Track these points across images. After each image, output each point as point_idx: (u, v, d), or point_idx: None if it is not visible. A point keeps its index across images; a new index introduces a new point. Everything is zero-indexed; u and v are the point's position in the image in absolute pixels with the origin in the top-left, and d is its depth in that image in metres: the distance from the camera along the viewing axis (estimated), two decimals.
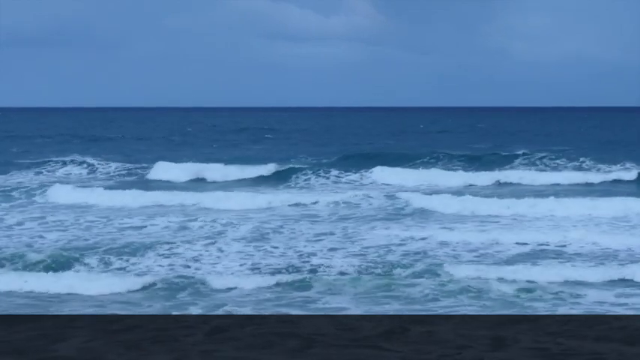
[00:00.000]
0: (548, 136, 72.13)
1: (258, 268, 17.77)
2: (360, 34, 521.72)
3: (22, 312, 14.13)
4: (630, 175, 36.05)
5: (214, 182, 35.65)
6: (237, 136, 73.63)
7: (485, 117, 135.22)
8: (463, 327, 12.64)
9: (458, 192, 30.36)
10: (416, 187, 32.43)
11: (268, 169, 37.11)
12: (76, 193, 30.13)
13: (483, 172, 36.69)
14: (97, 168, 40.68)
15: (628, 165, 39.12)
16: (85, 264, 17.98)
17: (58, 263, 17.84)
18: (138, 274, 17.07)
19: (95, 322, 13.15)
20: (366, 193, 29.14)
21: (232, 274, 17.17)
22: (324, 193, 30.33)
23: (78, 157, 43.22)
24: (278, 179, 35.91)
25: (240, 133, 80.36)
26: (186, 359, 10.97)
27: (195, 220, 24.12)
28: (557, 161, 41.53)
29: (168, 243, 20.22)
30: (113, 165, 40.96)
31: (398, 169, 36.84)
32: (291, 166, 37.81)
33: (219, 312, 14.01)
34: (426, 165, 40.53)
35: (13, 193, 30.74)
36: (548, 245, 20.04)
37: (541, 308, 14.24)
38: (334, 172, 36.87)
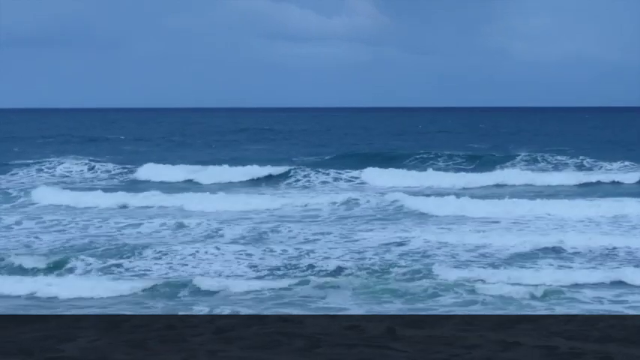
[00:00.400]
0: (548, 136, 72.04)
1: (251, 270, 17.79)
2: (361, 34, 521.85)
3: (28, 312, 14.17)
4: (631, 175, 36.00)
5: (200, 184, 35.35)
6: (234, 137, 73.62)
7: (485, 117, 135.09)
8: (466, 327, 12.67)
9: (451, 193, 30.29)
10: (407, 188, 32.32)
11: (261, 170, 36.90)
12: (61, 195, 29.95)
13: (479, 173, 36.55)
14: (87, 169, 40.61)
15: (629, 165, 39.18)
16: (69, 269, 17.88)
17: (41, 268, 17.79)
18: (128, 278, 16.99)
19: (101, 321, 13.17)
20: (355, 195, 28.90)
21: (222, 276, 17.14)
22: (314, 195, 30.16)
23: (68, 159, 43.09)
24: (270, 180, 35.83)
25: (239, 133, 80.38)
26: (194, 359, 10.99)
27: (177, 222, 23.84)
28: (558, 160, 41.52)
29: (151, 246, 19.98)
30: (105, 166, 40.86)
31: (389, 170, 36.73)
32: (286, 167, 37.55)
33: (224, 312, 14.04)
34: (422, 165, 40.46)
35: None
36: (545, 246, 19.89)
37: (539, 307, 14.29)
38: (328, 173, 36.72)
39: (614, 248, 19.54)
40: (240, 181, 35.66)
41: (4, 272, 17.23)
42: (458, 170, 38.45)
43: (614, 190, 31.87)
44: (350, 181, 35.69)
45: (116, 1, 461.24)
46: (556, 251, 19.43)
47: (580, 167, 39.80)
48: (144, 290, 15.60)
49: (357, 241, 21.00)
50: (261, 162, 39.21)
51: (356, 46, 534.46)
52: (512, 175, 36.34)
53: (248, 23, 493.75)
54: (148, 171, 38.33)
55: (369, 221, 24.33)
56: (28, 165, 41.57)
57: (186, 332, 12.34)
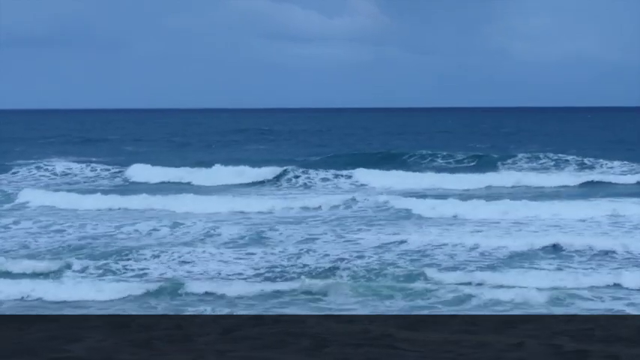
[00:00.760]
0: (548, 136, 71.97)
1: (248, 271, 17.73)
2: (363, 34, 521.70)
3: (35, 312, 14.19)
4: (631, 176, 35.90)
5: (193, 185, 35.14)
6: (233, 138, 73.59)
7: (486, 117, 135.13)
8: (470, 327, 12.74)
9: (450, 194, 30.27)
10: (406, 190, 32.23)
11: (254, 171, 36.75)
12: (45, 198, 29.68)
13: (478, 174, 36.37)
14: (78, 170, 40.37)
15: (629, 165, 39.10)
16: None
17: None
18: (126, 281, 16.86)
19: (106, 322, 13.21)
20: (350, 196, 28.67)
21: (220, 277, 17.14)
22: (308, 196, 29.98)
23: (56, 160, 43.03)
24: (265, 182, 35.67)
25: (238, 134, 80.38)
26: (202, 359, 11.01)
27: (173, 223, 23.66)
28: (558, 160, 41.39)
29: (144, 248, 19.89)
30: (95, 167, 40.63)
31: (386, 172, 36.58)
32: (281, 168, 37.26)
33: (229, 312, 14.08)
34: (420, 166, 40.41)
35: None
36: (542, 247, 19.79)
37: (538, 307, 14.32)
38: (324, 174, 36.55)
39: (613, 250, 19.42)
40: (234, 183, 35.44)
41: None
42: (457, 171, 38.22)
43: (615, 190, 31.75)
44: (346, 182, 35.53)
45: (116, 1, 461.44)
46: (553, 252, 19.36)
47: (580, 168, 39.68)
48: (146, 292, 15.52)
49: (352, 242, 20.84)
50: (257, 163, 39.07)
51: (357, 46, 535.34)
52: (512, 176, 36.21)
53: (249, 23, 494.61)
54: (138, 172, 38.14)
55: (363, 223, 24.10)
56: (19, 166, 41.41)
57: (192, 332, 12.40)
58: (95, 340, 11.93)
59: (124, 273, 17.52)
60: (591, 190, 31.94)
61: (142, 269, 17.83)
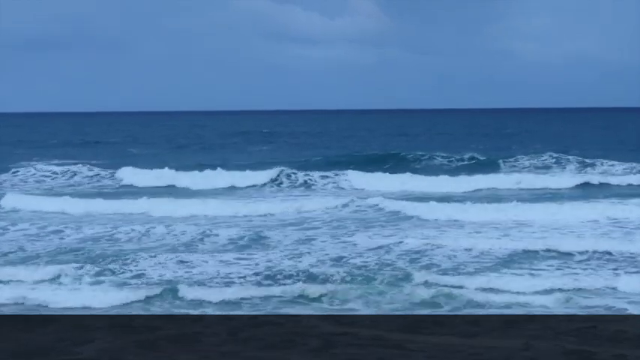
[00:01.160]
0: (551, 137, 71.80)
1: (244, 273, 17.54)
2: (365, 35, 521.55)
3: (43, 312, 14.20)
4: (634, 175, 35.76)
5: (184, 188, 34.96)
6: (231, 140, 73.45)
7: (488, 118, 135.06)
8: (475, 326, 12.74)
9: (449, 196, 30.10)
10: (398, 191, 32.04)
11: (249, 175, 36.45)
12: (29, 202, 29.36)
13: (480, 175, 36.10)
14: (70, 173, 40.10)
15: (631, 166, 38.86)
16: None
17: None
18: (125, 285, 16.65)
19: (115, 323, 13.22)
20: (345, 199, 28.51)
21: (215, 280, 16.93)
22: (297, 200, 29.67)
23: (45, 163, 42.84)
24: (261, 185, 35.38)
25: (237, 136, 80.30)
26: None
27: (165, 226, 23.44)
28: (560, 162, 41.19)
29: (137, 252, 19.70)
30: (85, 170, 40.38)
31: (379, 174, 36.37)
32: (277, 170, 36.91)
33: (235, 312, 14.13)
34: (421, 168, 40.18)
35: None
36: (539, 251, 19.52)
37: (536, 308, 14.36)
38: (318, 176, 36.34)
39: (614, 252, 19.26)
40: (227, 186, 35.13)
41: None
42: (457, 172, 37.90)
43: (617, 191, 31.53)
44: (343, 184, 35.33)
45: (118, 3, 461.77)
46: (553, 254, 19.17)
47: (582, 169, 39.52)
48: (149, 296, 15.37)
49: (346, 245, 20.67)
50: (254, 166, 38.86)
51: (359, 47, 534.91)
52: (513, 177, 36.01)
53: (251, 25, 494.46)
54: (128, 175, 37.89)
55: (356, 225, 23.88)
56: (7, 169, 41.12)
57: (198, 333, 12.45)
58: (104, 342, 11.99)
59: (122, 274, 17.40)
60: (593, 191, 31.80)
61: (141, 272, 17.61)
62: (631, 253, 19.02)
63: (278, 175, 36.38)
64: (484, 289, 15.62)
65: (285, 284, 16.17)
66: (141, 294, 15.38)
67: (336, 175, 36.51)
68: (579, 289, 15.57)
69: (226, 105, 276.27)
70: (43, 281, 16.75)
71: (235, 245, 20.69)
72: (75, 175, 39.81)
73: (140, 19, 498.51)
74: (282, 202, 28.77)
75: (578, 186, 33.52)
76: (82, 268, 17.62)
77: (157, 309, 14.55)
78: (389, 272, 17.06)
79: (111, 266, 17.94)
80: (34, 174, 40.20)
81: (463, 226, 23.64)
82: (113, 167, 40.35)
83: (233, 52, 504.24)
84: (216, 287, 16.00)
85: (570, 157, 42.19)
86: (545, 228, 22.96)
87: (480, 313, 13.86)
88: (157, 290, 15.62)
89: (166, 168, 38.42)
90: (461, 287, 15.72)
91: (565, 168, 40.17)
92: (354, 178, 35.80)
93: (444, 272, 17.24)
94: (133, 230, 22.87)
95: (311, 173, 36.92)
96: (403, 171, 37.56)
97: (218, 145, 66.93)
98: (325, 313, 14.06)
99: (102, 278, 16.96)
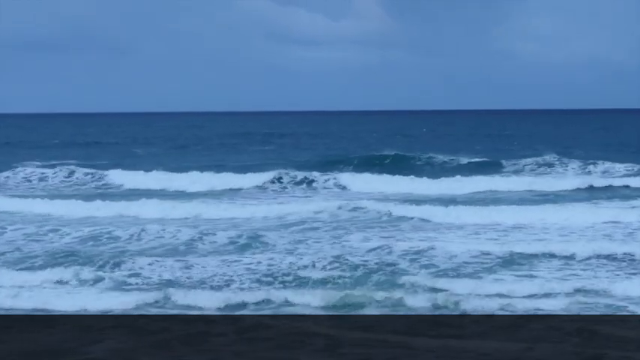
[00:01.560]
0: (555, 138, 71.54)
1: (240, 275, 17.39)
2: (369, 37, 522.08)
3: (52, 312, 14.25)
4: (637, 179, 35.24)
5: (175, 190, 34.51)
6: (230, 141, 73.43)
7: (493, 119, 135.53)
8: (480, 326, 12.84)
9: (448, 198, 29.96)
10: (397, 193, 31.81)
11: (243, 177, 36.18)
12: (16, 204, 29.09)
13: (477, 177, 35.78)
14: (62, 175, 39.55)
15: (635, 167, 38.60)
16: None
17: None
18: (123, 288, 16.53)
19: (125, 323, 13.28)
20: (340, 202, 27.97)
21: (211, 282, 16.82)
22: (290, 202, 29.42)
23: (32, 165, 42.38)
24: (255, 187, 34.95)
25: (237, 138, 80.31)
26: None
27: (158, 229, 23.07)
28: (565, 163, 40.87)
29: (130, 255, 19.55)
30: (75, 171, 39.88)
31: (366, 175, 36.21)
32: (272, 173, 36.59)
33: (242, 312, 14.21)
34: (422, 170, 39.57)
35: None
36: (539, 254, 19.22)
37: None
38: (317, 177, 35.98)
39: (615, 254, 19.01)
40: (223, 189, 34.69)
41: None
42: (458, 174, 37.22)
43: (620, 193, 31.29)
44: (338, 187, 34.98)
45: (121, 4, 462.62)
46: (554, 256, 18.91)
47: (585, 171, 39.20)
48: (147, 299, 15.24)
49: (338, 247, 20.41)
50: (253, 168, 38.65)
51: (363, 48, 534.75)
52: (514, 179, 35.93)
53: (254, 26, 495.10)
54: (118, 177, 37.67)
55: (347, 228, 23.57)
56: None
57: (207, 333, 12.55)
58: (113, 342, 12.06)
59: (119, 276, 17.31)
60: (595, 193, 31.52)
61: (138, 274, 17.55)
62: (631, 256, 18.77)
63: (278, 178, 35.95)
64: (481, 292, 15.42)
65: (285, 286, 16.16)
66: (141, 295, 15.36)
67: (331, 177, 36.10)
68: (581, 291, 15.43)
69: (229, 106, 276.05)
70: (41, 284, 16.62)
71: (230, 247, 20.60)
72: (71, 174, 39.39)
73: (141, 20, 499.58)
74: (269, 205, 28.46)
75: (580, 188, 33.06)
76: (81, 270, 17.53)
77: (157, 310, 14.53)
78: (379, 276, 16.85)
79: (109, 268, 17.90)
80: (24, 175, 39.76)
81: (462, 227, 23.38)
82: (108, 168, 39.99)
83: (236, 53, 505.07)
84: (217, 288, 16.08)
85: (574, 159, 41.89)
86: (546, 230, 22.76)
87: (484, 313, 13.86)
88: (157, 291, 15.61)
89: (159, 170, 38.21)
90: (459, 289, 15.60)
91: (567, 170, 39.89)
92: (348, 180, 35.48)
93: (442, 275, 17.15)
94: (127, 232, 22.63)
95: (307, 175, 36.48)
96: (402, 172, 37.12)
97: (217, 146, 66.88)
98: (331, 313, 14.09)
99: (103, 280, 16.91)
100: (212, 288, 16.13)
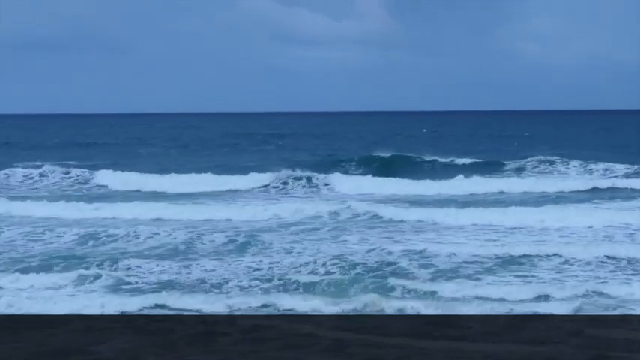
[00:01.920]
0: (557, 139, 71.49)
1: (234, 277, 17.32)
2: (371, 37, 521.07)
3: (59, 312, 14.27)
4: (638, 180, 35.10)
5: (159, 192, 34.20)
6: (230, 142, 73.36)
7: (494, 120, 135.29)
8: (485, 326, 12.87)
9: (446, 200, 29.90)
10: (395, 195, 31.60)
11: (238, 178, 36.00)
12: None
13: (478, 179, 35.62)
14: (48, 176, 39.33)
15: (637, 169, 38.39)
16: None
17: None
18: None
19: (131, 323, 13.33)
20: (330, 204, 27.99)
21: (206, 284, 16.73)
22: (283, 205, 29.12)
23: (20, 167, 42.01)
24: (248, 189, 34.73)
25: (239, 138, 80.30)
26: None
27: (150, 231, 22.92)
28: (566, 164, 40.66)
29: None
30: (61, 172, 39.68)
31: (364, 177, 36.10)
32: (266, 174, 36.47)
33: (247, 312, 14.23)
34: (421, 172, 39.47)
35: None
36: (540, 255, 19.05)
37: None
38: (307, 180, 35.76)
39: (616, 256, 18.86)
40: (220, 190, 34.54)
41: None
42: (459, 175, 36.75)
43: (623, 195, 30.98)
44: (334, 189, 34.71)
45: (122, 5, 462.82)
46: (553, 259, 18.70)
47: (588, 172, 39.02)
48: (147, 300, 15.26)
49: (328, 249, 20.39)
50: (251, 169, 38.39)
51: (365, 49, 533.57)
52: (515, 180, 35.89)
53: (257, 27, 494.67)
54: (106, 178, 37.53)
55: (348, 230, 23.46)
56: None
57: (214, 332, 12.56)
58: (121, 342, 12.09)
59: (115, 277, 17.26)
60: (596, 194, 31.31)
61: (135, 275, 17.55)
62: (632, 257, 18.69)
63: (282, 182, 35.69)
64: (481, 293, 15.47)
65: (286, 287, 16.19)
66: (145, 296, 15.43)
67: (328, 179, 35.84)
68: (582, 292, 15.38)
69: (230, 107, 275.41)
70: (42, 286, 16.58)
71: (227, 247, 20.66)
72: (69, 177, 39.15)
73: (142, 20, 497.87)
74: (257, 207, 28.23)
75: (583, 189, 32.83)
76: (83, 271, 17.54)
77: (162, 310, 14.52)
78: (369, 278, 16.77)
79: (110, 269, 17.93)
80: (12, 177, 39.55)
81: (461, 229, 23.29)
82: (107, 169, 39.76)
83: (236, 53, 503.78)
84: (217, 288, 16.13)
85: (573, 160, 41.67)
86: (547, 231, 22.73)
87: (491, 313, 13.87)
88: (160, 292, 15.70)
89: (158, 171, 38.17)
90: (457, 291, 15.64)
91: (568, 170, 39.74)
92: (345, 182, 35.26)
93: (440, 276, 17.14)
94: (125, 233, 22.59)
95: (305, 176, 36.22)
96: (399, 174, 36.96)
97: (216, 147, 66.84)
98: (336, 313, 14.08)
99: (105, 281, 16.91)
100: (213, 289, 16.13)
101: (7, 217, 26.57)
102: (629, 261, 18.39)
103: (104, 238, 22.24)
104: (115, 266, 18.21)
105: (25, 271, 17.82)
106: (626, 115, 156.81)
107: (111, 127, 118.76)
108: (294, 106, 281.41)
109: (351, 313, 14.09)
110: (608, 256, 18.73)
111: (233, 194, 33.40)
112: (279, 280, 16.75)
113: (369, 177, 36.16)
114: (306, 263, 18.29)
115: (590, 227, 23.13)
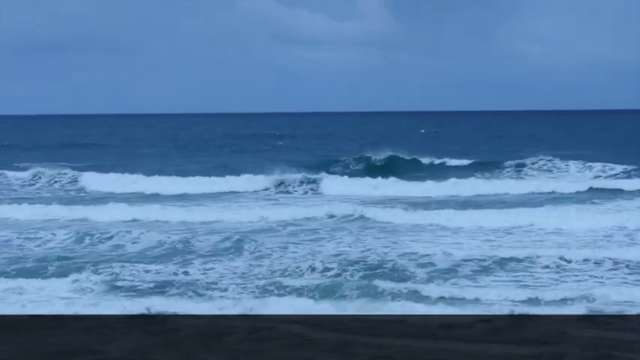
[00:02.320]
0: (558, 140, 71.47)
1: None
2: (373, 38, 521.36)
3: (67, 312, 14.29)
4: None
5: (146, 194, 34.19)
6: (227, 143, 73.29)
7: (495, 121, 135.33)
8: (486, 326, 12.91)
9: (446, 201, 29.76)
10: (365, 198, 31.44)
11: (237, 180, 35.89)
12: None
13: (477, 180, 35.67)
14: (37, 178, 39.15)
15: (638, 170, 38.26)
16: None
17: None
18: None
19: (138, 322, 13.44)
20: (320, 207, 27.63)
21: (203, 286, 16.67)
22: (276, 207, 28.99)
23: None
24: (240, 191, 34.53)
25: (240, 139, 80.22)
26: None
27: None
28: (566, 165, 40.50)
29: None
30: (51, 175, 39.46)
31: (346, 179, 36.05)
32: (259, 176, 36.35)
33: (252, 312, 14.22)
34: (418, 173, 39.25)
35: None
36: (540, 256, 18.87)
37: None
38: (297, 182, 35.57)
39: (616, 259, 18.64)
40: (217, 192, 34.42)
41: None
42: (458, 176, 36.58)
43: (624, 195, 30.77)
44: (327, 191, 34.41)
45: (124, 6, 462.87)
46: (552, 262, 18.50)
47: (588, 173, 38.91)
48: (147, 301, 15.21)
49: (316, 251, 20.26)
50: (250, 170, 38.18)
51: (366, 50, 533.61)
52: (515, 182, 35.75)
53: (258, 27, 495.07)
54: (92, 180, 37.48)
55: (347, 232, 23.33)
56: None
57: (220, 332, 12.63)
58: (128, 341, 12.17)
59: (111, 279, 17.26)
60: (596, 195, 31.10)
61: (141, 276, 17.54)
62: (632, 258, 18.55)
63: (276, 184, 35.53)
64: (481, 294, 15.41)
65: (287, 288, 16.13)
66: (149, 296, 15.43)
67: (325, 180, 35.65)
68: (583, 293, 15.32)
69: (231, 107, 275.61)
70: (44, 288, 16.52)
71: (221, 249, 20.54)
72: (58, 179, 38.94)
73: (142, 20, 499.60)
74: (262, 208, 28.03)
75: (582, 189, 32.63)
76: (83, 272, 17.53)
77: (163, 310, 14.44)
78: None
79: (111, 270, 17.86)
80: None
81: (457, 232, 23.11)
82: (108, 171, 39.70)
83: (237, 54, 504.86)
84: (217, 289, 16.14)
85: (573, 160, 41.47)
86: (547, 232, 22.66)
87: (496, 313, 13.89)
88: (162, 292, 15.77)
89: (157, 172, 38.01)
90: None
91: (568, 171, 39.59)
92: (336, 183, 35.11)
93: (437, 277, 17.12)
94: (123, 235, 22.48)
95: (298, 178, 36.00)
96: (396, 175, 36.74)
97: (215, 148, 66.84)
98: (339, 314, 14.08)
99: (106, 282, 16.90)
100: (213, 289, 16.15)
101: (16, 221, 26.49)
102: (629, 261, 18.27)
103: (98, 239, 22.14)
104: (112, 267, 18.11)
105: (20, 272, 17.82)
106: (626, 115, 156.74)
107: (110, 127, 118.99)
108: (295, 107, 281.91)
109: (353, 314, 14.09)
110: (607, 257, 18.59)
111: (226, 196, 33.23)
112: (279, 280, 16.76)
113: (365, 178, 35.98)
114: (305, 264, 18.22)
115: (589, 227, 23.00)
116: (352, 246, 20.91)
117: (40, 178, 39.00)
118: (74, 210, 28.00)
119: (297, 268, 18.05)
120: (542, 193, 32.01)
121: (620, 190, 32.32)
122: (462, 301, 14.90)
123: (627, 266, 17.94)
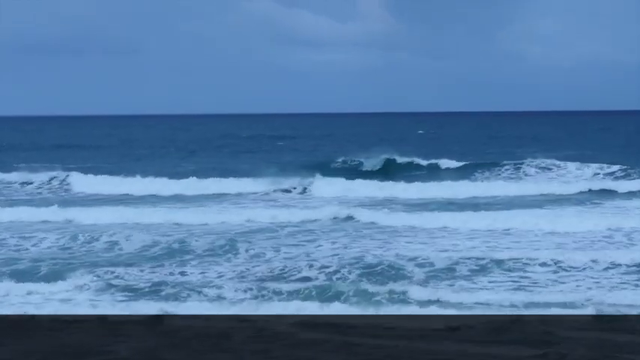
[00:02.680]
0: (558, 140, 71.29)
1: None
2: (374, 39, 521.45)
3: (73, 312, 14.38)
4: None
5: (132, 195, 34.14)
6: (227, 144, 73.42)
7: (496, 121, 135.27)
8: (488, 327, 12.89)
9: (445, 202, 29.85)
10: (362, 200, 31.47)
11: (236, 181, 35.81)
12: None
13: (477, 182, 35.90)
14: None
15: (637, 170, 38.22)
16: None
17: None
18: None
19: (146, 322, 13.54)
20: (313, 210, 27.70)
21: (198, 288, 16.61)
22: (270, 209, 28.82)
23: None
24: (215, 194, 34.26)
25: (230, 140, 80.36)
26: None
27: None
28: (566, 166, 40.34)
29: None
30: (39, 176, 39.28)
31: (341, 180, 35.86)
32: (252, 178, 36.23)
33: (256, 312, 14.37)
34: (416, 175, 39.19)
35: None
36: (530, 258, 18.94)
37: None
38: (295, 184, 35.42)
39: (617, 262, 18.55)
40: (213, 193, 34.35)
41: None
42: (458, 178, 36.91)
43: (624, 197, 30.77)
44: (324, 192, 34.23)
45: (126, 7, 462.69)
46: (549, 264, 18.49)
47: (587, 174, 38.73)
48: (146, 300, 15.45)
49: (309, 254, 20.29)
50: (249, 172, 38.16)
51: (368, 50, 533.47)
52: (515, 182, 35.86)
53: (260, 28, 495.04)
54: (79, 182, 37.42)
55: (344, 234, 23.29)
56: None
57: (225, 332, 12.71)
58: (136, 341, 12.23)
59: (108, 280, 17.27)
60: (598, 196, 31.05)
61: (142, 277, 17.66)
62: (632, 259, 18.52)
63: (273, 186, 35.30)
64: (481, 295, 15.52)
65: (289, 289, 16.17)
66: (153, 297, 15.60)
67: (322, 182, 35.46)
68: (583, 293, 15.41)
69: (231, 108, 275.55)
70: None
71: (220, 250, 20.51)
72: (51, 180, 38.82)
73: (143, 21, 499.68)
74: (263, 210, 28.07)
75: (582, 190, 32.63)
76: (85, 273, 17.57)
77: (169, 311, 14.54)
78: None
79: (111, 271, 17.93)
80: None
81: (454, 233, 23.06)
82: (104, 173, 39.53)
83: (239, 54, 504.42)
84: (217, 290, 16.17)
85: (573, 161, 41.40)
86: (546, 232, 22.66)
87: (500, 313, 13.94)
88: (165, 293, 15.86)
89: (157, 173, 37.95)
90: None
91: (568, 171, 39.48)
92: (332, 185, 34.97)
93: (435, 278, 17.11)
94: (122, 237, 22.40)
95: (295, 180, 35.89)
96: (393, 177, 36.85)
97: (214, 149, 66.78)
98: (343, 314, 14.15)
99: (107, 283, 16.93)
100: (213, 289, 16.20)
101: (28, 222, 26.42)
102: (629, 262, 18.25)
103: (90, 239, 22.17)
104: (110, 269, 18.13)
105: (18, 274, 17.82)
106: (626, 116, 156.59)
107: (109, 128, 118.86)
108: (295, 108, 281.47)
109: (355, 314, 14.15)
110: (607, 257, 18.56)
111: (225, 197, 33.20)
112: (280, 280, 16.86)
113: (362, 180, 35.83)
114: (303, 265, 18.29)
115: (589, 228, 22.96)
116: (348, 247, 20.89)
117: (32, 182, 38.63)
118: (66, 212, 27.79)
119: (296, 268, 18.07)
120: (541, 195, 31.86)
121: (620, 192, 32.25)
122: (461, 301, 14.91)
123: (627, 267, 17.93)
